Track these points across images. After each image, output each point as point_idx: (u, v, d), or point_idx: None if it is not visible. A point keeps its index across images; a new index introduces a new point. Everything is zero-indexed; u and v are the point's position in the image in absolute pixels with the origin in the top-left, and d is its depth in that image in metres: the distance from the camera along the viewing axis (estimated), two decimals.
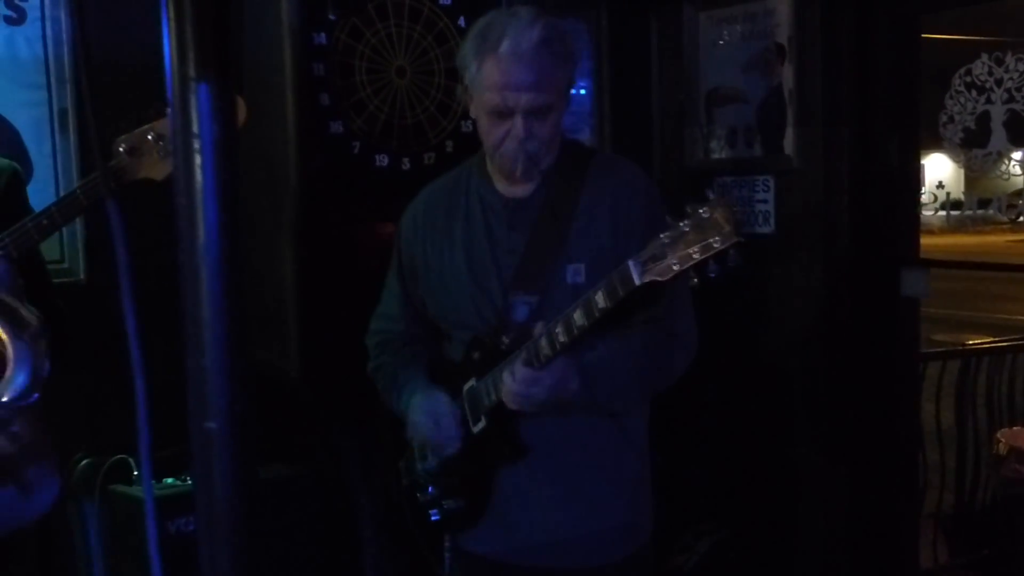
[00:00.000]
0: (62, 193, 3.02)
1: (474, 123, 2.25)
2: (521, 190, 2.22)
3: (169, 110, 0.78)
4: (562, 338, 2.00)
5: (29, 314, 1.11)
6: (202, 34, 0.72)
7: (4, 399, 1.05)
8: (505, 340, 2.15)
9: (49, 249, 2.98)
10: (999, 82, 3.23)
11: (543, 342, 2.02)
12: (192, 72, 0.72)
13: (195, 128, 0.73)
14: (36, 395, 1.06)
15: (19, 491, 1.38)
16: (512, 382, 2.06)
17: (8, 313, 1.09)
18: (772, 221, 3.70)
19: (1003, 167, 3.92)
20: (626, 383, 2.17)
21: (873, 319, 3.63)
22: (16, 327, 1.07)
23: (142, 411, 0.83)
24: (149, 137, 2.06)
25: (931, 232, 4.12)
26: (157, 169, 2.06)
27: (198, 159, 0.74)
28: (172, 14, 0.73)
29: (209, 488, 0.77)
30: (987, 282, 13.40)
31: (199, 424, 0.76)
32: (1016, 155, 3.93)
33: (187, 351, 0.78)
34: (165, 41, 0.74)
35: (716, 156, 3.89)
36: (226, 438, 0.76)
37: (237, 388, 0.77)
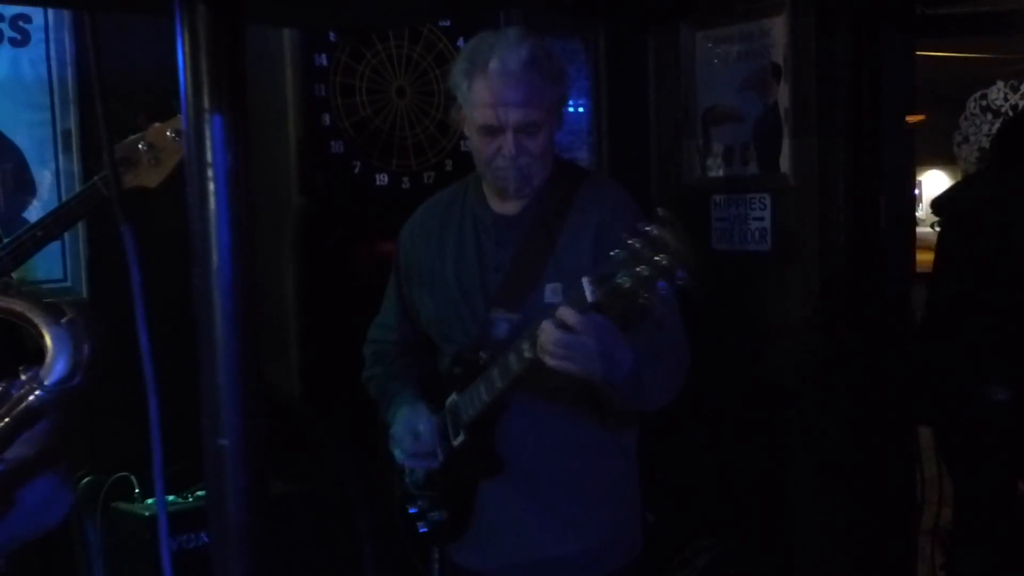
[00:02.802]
0: None
1: None
2: (511, 207, 2.26)
3: (181, 139, 0.81)
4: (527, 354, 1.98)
5: (64, 303, 1.16)
6: (216, 68, 0.75)
7: (47, 383, 1.10)
8: (484, 356, 2.17)
9: (51, 267, 3.01)
10: (1014, 107, 3.31)
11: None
12: (206, 104, 0.75)
13: (209, 157, 0.76)
14: (79, 379, 1.10)
15: (61, 482, 1.42)
16: (554, 330, 1.90)
17: (41, 302, 1.13)
18: (768, 239, 3.73)
19: None
20: (656, 377, 2.13)
21: (870, 335, 3.65)
22: (50, 315, 1.12)
23: (155, 429, 0.86)
24: (140, 146, 2.09)
25: (930, 248, 4.15)
26: (149, 177, 2.09)
27: (212, 187, 0.77)
28: (187, 48, 0.76)
29: (222, 504, 0.79)
30: None
31: (212, 441, 0.79)
32: None
33: (201, 370, 0.81)
34: (180, 74, 0.77)
35: (712, 174, 3.92)
36: (238, 455, 0.78)
37: (250, 406, 0.79)
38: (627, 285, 1.80)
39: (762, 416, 3.74)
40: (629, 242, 1.79)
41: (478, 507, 2.27)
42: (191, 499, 2.86)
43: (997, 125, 3.58)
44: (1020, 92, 3.49)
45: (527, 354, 2.00)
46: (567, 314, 1.88)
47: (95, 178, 2.13)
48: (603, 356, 1.94)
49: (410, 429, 2.25)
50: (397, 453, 2.28)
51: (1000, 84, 3.51)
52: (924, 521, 4.34)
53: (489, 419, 2.19)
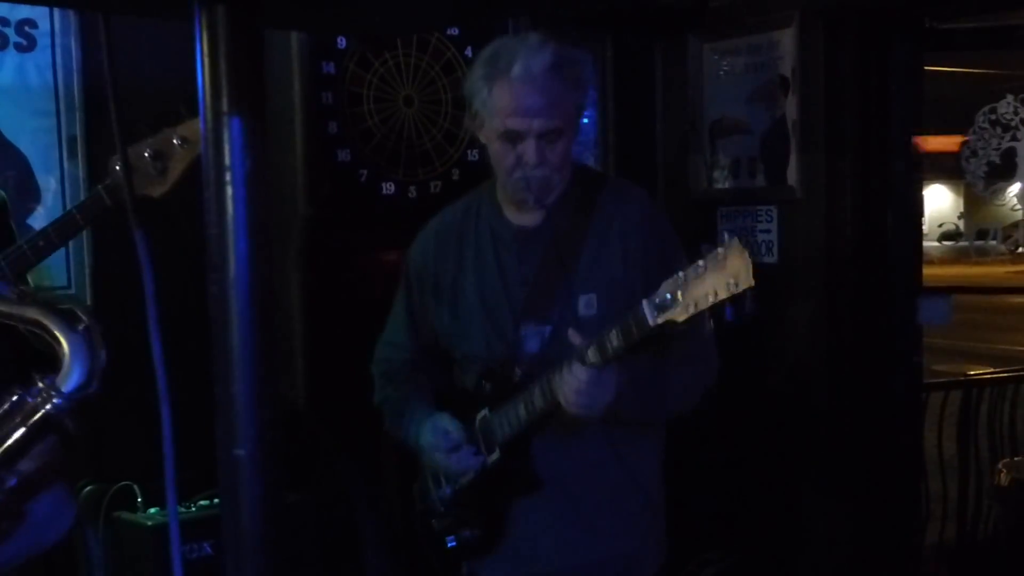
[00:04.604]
0: None
1: (480, 152, 2.25)
2: (531, 219, 2.21)
3: (188, 145, 0.79)
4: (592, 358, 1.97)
5: (79, 308, 1.14)
6: (236, 69, 0.74)
7: (64, 390, 1.08)
8: (518, 372, 2.14)
9: (55, 275, 2.99)
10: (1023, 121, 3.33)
11: (590, 353, 1.97)
12: (225, 106, 0.74)
13: (227, 161, 0.75)
14: (95, 386, 1.08)
15: (68, 494, 1.40)
16: (573, 385, 1.97)
17: (56, 308, 1.11)
18: (775, 251, 3.71)
19: (1006, 197, 3.98)
20: (686, 383, 2.17)
21: (877, 348, 3.64)
22: (67, 321, 1.10)
23: (167, 438, 0.84)
24: (145, 154, 2.04)
25: (931, 263, 4.15)
26: (153, 187, 2.04)
27: (230, 191, 0.75)
28: (206, 49, 0.74)
29: (236, 515, 0.77)
30: (987, 313, 13.39)
31: (228, 451, 0.77)
32: (1014, 188, 3.98)
33: (216, 379, 0.79)
34: (198, 76, 0.76)
35: (720, 186, 3.90)
36: (254, 465, 0.76)
37: (266, 416, 0.77)
38: (692, 309, 1.78)
39: (767, 429, 3.73)
40: (697, 264, 1.77)
41: (511, 522, 2.23)
42: (194, 508, 2.84)
43: (1007, 139, 3.57)
44: None
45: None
46: (581, 374, 1.95)
47: (98, 187, 2.09)
48: (616, 398, 2.00)
49: (440, 429, 2.20)
50: (437, 457, 2.21)
51: (1010, 98, 3.50)
52: (928, 535, 4.33)
53: (527, 436, 2.15)
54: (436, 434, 2.21)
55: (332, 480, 3.23)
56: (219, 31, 0.73)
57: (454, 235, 2.29)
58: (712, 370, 2.23)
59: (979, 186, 3.73)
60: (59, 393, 1.06)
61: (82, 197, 3.04)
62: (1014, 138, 3.44)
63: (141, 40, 2.84)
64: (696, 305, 1.78)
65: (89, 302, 3.06)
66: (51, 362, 1.08)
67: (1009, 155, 3.37)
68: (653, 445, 2.30)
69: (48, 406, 1.07)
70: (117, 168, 2.02)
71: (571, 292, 2.14)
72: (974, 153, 3.59)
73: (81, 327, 1.06)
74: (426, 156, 3.47)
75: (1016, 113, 3.50)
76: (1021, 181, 3.51)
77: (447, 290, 2.27)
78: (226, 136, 0.74)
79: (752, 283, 1.74)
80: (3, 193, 2.27)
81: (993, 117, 3.55)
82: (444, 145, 3.49)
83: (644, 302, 1.85)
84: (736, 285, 1.74)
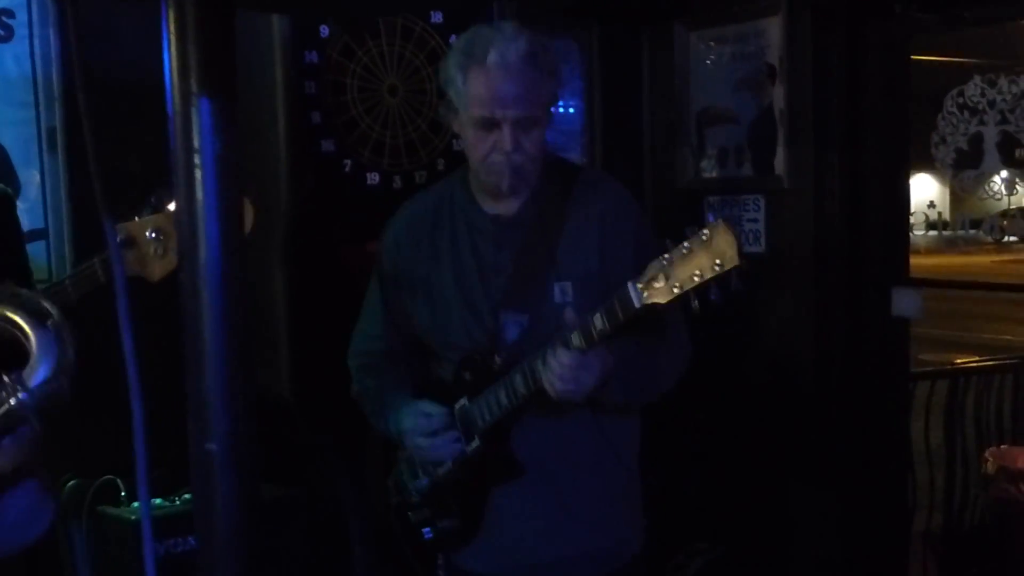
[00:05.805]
0: (49, 211, 3.00)
1: None
2: (507, 207, 2.21)
3: (169, 126, 0.76)
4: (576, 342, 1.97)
5: (50, 305, 1.12)
6: (204, 48, 0.71)
7: (31, 386, 1.06)
8: (497, 360, 2.14)
9: (37, 269, 2.96)
10: (992, 103, 3.27)
11: (574, 337, 1.97)
12: (194, 87, 0.71)
13: (196, 143, 0.72)
14: (64, 382, 1.06)
15: (43, 490, 1.37)
16: (557, 370, 1.97)
17: (27, 304, 1.09)
18: (762, 241, 3.70)
19: (992, 187, 3.96)
20: (663, 366, 2.19)
21: (864, 339, 3.63)
22: (37, 317, 1.07)
23: (139, 434, 0.81)
24: (148, 233, 1.92)
25: (918, 252, 4.12)
26: (152, 268, 1.92)
27: (199, 174, 0.72)
28: (173, 29, 0.71)
29: (209, 510, 0.75)
30: (974, 302, 13.43)
31: (199, 445, 0.74)
32: (1001, 175, 3.96)
33: (187, 372, 0.76)
34: (165, 56, 0.73)
35: (707, 176, 3.89)
36: (227, 460, 0.74)
37: (240, 409, 0.75)
38: (678, 290, 1.77)
39: (755, 419, 3.72)
40: (682, 246, 1.76)
41: (491, 510, 2.22)
42: (179, 502, 2.82)
43: (974, 124, 3.52)
44: (997, 87, 3.44)
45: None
46: (565, 357, 1.95)
47: (94, 259, 1.94)
48: (600, 381, 2.01)
49: (422, 413, 2.19)
50: (418, 440, 2.19)
51: (977, 79, 3.44)
52: (916, 524, 4.33)
53: (506, 424, 2.15)
54: (417, 417, 2.20)
55: (317, 474, 3.21)
56: (187, 8, 0.70)
57: (427, 224, 2.28)
58: (687, 355, 2.24)
59: (948, 174, 3.70)
60: (25, 388, 1.04)
61: (62, 189, 3.01)
62: (981, 122, 3.40)
63: (124, 30, 2.80)
64: (681, 287, 1.77)
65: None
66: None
67: (976, 141, 3.34)
68: (633, 418, 2.31)
69: (12, 401, 1.05)
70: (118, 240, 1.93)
71: (547, 280, 2.14)
72: (943, 140, 3.55)
73: (50, 322, 1.04)
74: (411, 146, 3.45)
75: (983, 95, 3.45)
76: (987, 168, 3.47)
77: (422, 279, 2.26)
78: (195, 118, 0.71)
79: (738, 262, 1.73)
80: (8, 189, 2.24)
81: (961, 101, 3.50)
82: (429, 135, 3.47)
83: (629, 284, 1.85)
84: (722, 266, 1.73)
